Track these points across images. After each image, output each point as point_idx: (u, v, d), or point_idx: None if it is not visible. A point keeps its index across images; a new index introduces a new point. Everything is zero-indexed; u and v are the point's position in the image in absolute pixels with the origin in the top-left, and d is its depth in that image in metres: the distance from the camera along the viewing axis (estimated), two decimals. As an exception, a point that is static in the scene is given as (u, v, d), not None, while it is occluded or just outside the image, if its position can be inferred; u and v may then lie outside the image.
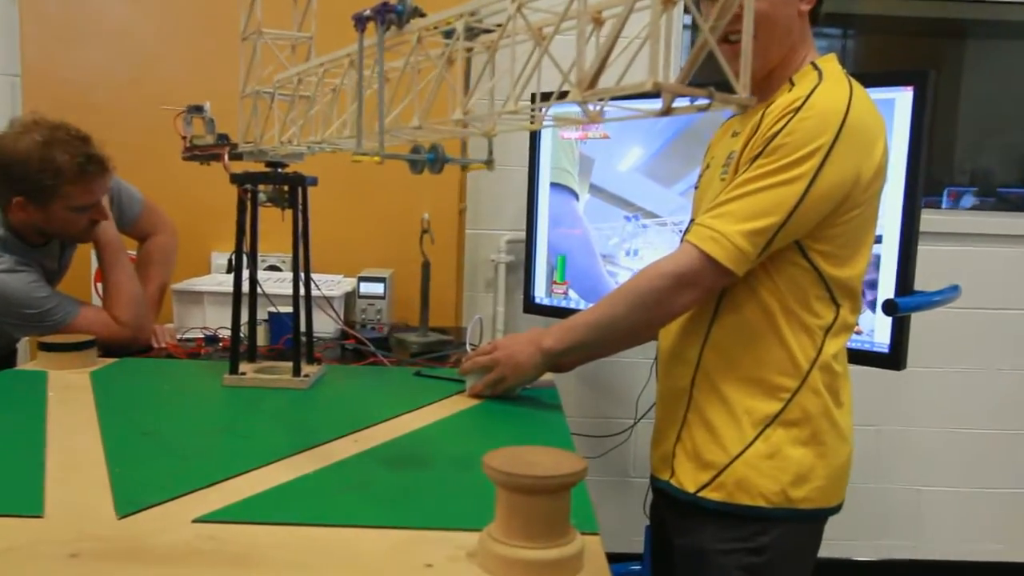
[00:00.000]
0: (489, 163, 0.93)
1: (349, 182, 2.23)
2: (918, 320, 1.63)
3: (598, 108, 0.62)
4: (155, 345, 1.75)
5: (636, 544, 2.46)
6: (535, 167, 2.15)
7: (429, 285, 1.29)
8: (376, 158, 0.82)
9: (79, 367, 1.47)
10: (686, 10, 0.57)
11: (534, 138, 2.12)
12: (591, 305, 1.30)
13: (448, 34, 0.77)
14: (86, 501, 0.87)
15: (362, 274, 2.11)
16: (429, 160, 0.89)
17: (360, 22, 0.82)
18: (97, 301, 1.97)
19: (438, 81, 0.77)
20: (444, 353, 1.69)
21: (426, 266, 1.25)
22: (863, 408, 1.39)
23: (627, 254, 2.03)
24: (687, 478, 1.28)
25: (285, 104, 1.19)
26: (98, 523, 0.81)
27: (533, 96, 1.82)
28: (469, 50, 0.79)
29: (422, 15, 0.80)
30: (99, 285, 1.77)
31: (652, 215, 1.96)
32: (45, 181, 1.55)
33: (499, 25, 0.70)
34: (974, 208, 2.78)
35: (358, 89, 0.85)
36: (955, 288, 1.60)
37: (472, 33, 0.75)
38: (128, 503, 0.85)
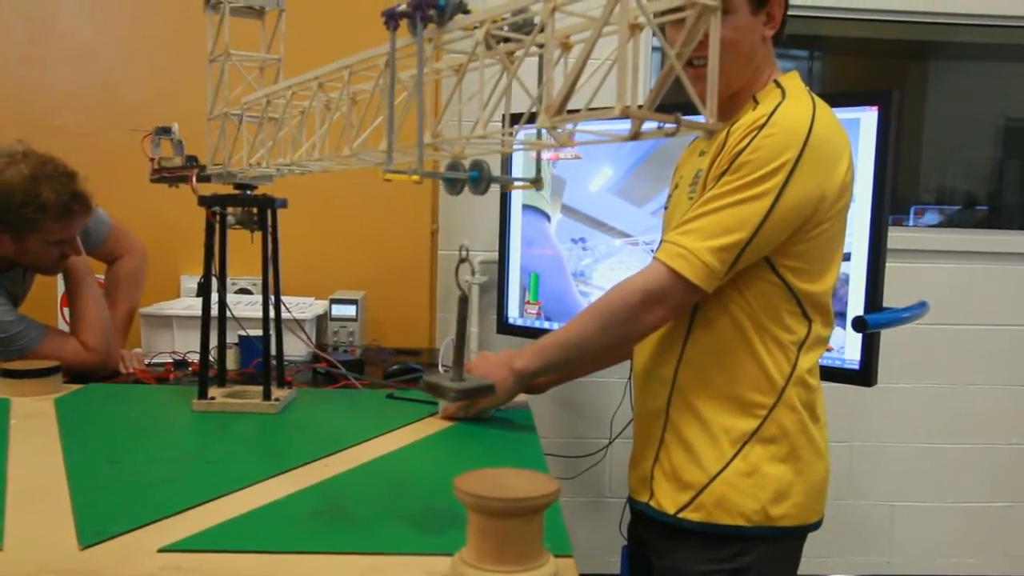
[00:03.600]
0: (536, 181, 0.84)
1: (320, 204, 2.22)
2: (888, 336, 1.64)
3: (567, 131, 0.61)
4: (123, 370, 1.72)
5: (612, 565, 2.44)
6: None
7: (467, 324, 1.07)
8: (414, 176, 0.73)
9: (43, 394, 1.43)
10: (654, 33, 0.57)
11: (506, 159, 2.13)
12: (562, 324, 1.30)
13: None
14: (47, 532, 0.84)
15: (334, 296, 2.09)
16: (472, 179, 0.78)
17: (392, 19, 0.71)
18: (64, 326, 1.93)
19: (407, 103, 0.77)
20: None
21: (463, 301, 1.06)
22: (835, 425, 1.40)
23: (574, 275, 2.03)
24: (666, 499, 1.27)
25: (254, 126, 1.19)
26: (59, 555, 0.79)
27: (514, 118, 1.82)
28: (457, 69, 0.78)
29: (466, 11, 0.69)
30: (66, 310, 1.74)
31: (623, 235, 1.97)
32: (27, 215, 1.52)
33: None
34: (940, 225, 2.83)
35: (389, 96, 0.75)
36: (923, 304, 1.62)
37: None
38: (91, 533, 0.83)
